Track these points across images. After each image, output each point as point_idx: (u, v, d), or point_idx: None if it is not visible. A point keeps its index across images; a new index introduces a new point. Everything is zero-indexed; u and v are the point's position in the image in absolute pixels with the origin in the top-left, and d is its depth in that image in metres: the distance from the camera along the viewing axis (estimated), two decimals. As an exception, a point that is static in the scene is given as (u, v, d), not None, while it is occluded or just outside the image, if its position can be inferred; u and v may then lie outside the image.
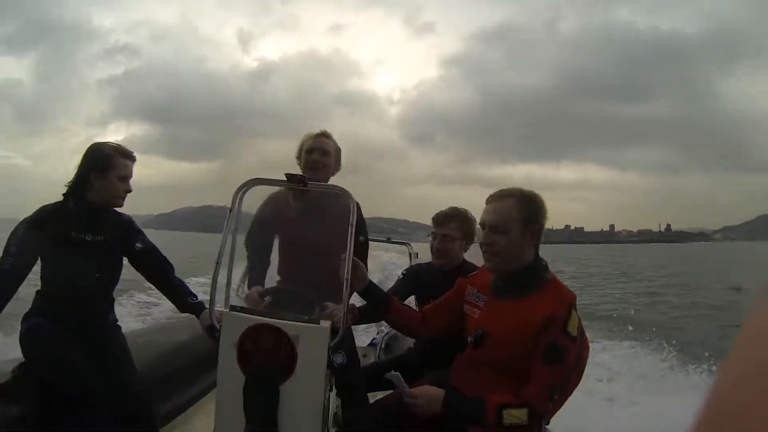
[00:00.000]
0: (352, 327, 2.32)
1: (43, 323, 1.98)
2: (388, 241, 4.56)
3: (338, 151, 2.39)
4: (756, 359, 0.30)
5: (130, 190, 2.11)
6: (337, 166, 2.40)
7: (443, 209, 2.47)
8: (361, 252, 2.12)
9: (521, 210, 1.65)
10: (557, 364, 1.54)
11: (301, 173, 2.32)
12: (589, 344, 1.80)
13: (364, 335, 5.11)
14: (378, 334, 4.43)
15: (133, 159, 2.14)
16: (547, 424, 1.67)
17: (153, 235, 2.43)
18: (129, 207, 2.19)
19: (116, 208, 2.17)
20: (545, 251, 1.80)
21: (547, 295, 1.63)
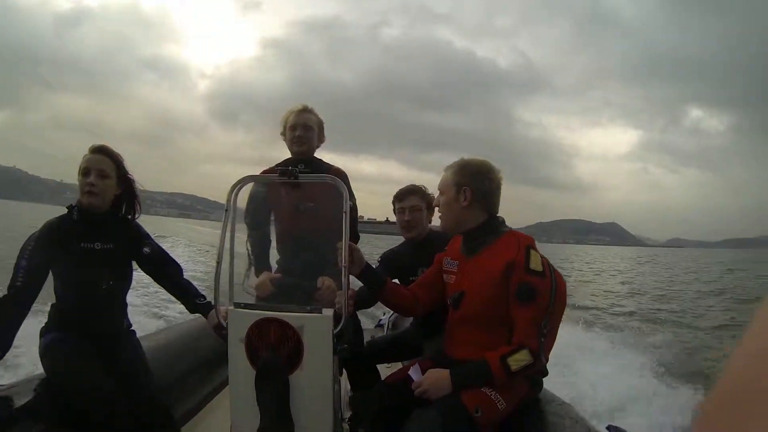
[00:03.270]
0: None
1: (61, 337, 2.02)
2: (387, 222, 4.59)
3: (321, 123, 2.47)
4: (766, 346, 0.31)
5: (92, 183, 2.05)
6: (321, 139, 2.49)
7: (401, 188, 2.59)
8: (351, 218, 2.18)
9: (455, 175, 1.87)
10: (532, 300, 1.67)
11: (287, 149, 2.43)
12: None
13: (370, 318, 5.19)
14: (384, 315, 4.50)
15: (99, 151, 2.10)
16: (547, 359, 1.76)
17: None
18: None
19: (120, 213, 2.19)
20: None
21: (503, 243, 1.81)
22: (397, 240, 2.77)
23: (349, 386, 2.52)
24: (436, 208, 1.97)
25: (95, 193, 2.06)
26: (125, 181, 2.18)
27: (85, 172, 2.07)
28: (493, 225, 1.86)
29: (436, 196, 1.98)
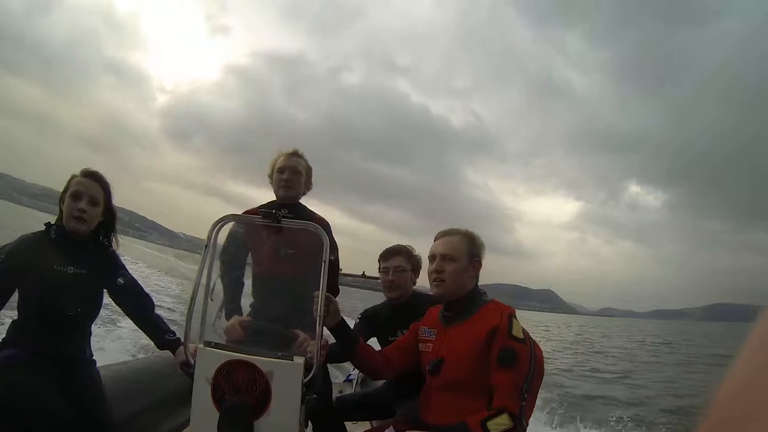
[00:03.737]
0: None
1: (17, 354, 1.95)
2: (363, 276, 4.58)
3: (309, 170, 2.49)
4: (760, 366, 0.33)
5: (83, 210, 2.04)
6: (308, 185, 2.50)
7: (388, 246, 2.62)
8: (332, 271, 2.18)
9: (467, 244, 1.95)
10: (513, 365, 1.70)
11: (273, 192, 2.45)
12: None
13: (339, 371, 5.09)
14: (354, 369, 4.42)
15: (92, 176, 2.10)
16: (527, 423, 1.76)
17: None
18: None
19: (98, 239, 2.17)
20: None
21: (487, 312, 1.86)
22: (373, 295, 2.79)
23: None
24: (441, 273, 1.92)
25: (84, 219, 2.06)
26: (109, 211, 2.17)
27: (75, 195, 2.05)
28: (478, 293, 1.94)
29: (427, 256, 2.00)
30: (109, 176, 2.11)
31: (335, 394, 2.81)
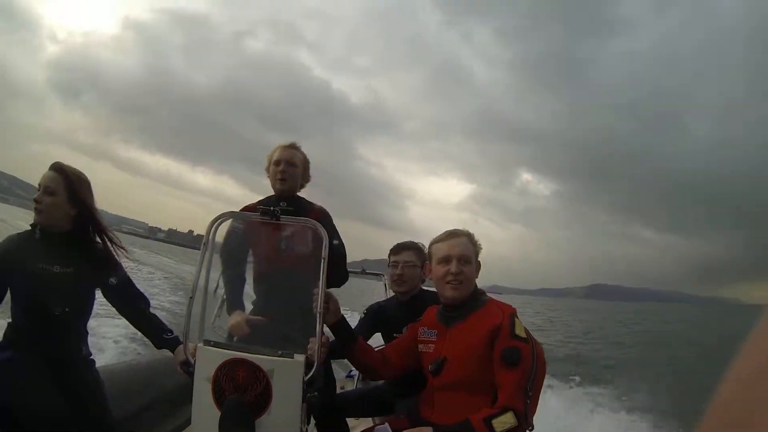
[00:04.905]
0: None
1: (14, 356, 1.95)
2: (363, 272, 4.57)
3: (306, 162, 2.46)
4: (760, 367, 0.33)
5: (36, 200, 2.01)
6: (305, 178, 2.46)
7: (399, 242, 2.60)
8: (339, 258, 2.15)
9: (473, 245, 1.97)
10: (517, 364, 1.70)
11: (270, 185, 2.41)
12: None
13: (341, 368, 5.08)
14: None
15: (52, 168, 2.05)
16: (531, 423, 1.75)
17: None
18: None
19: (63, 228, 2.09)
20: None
21: (488, 311, 1.84)
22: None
23: None
24: (460, 275, 1.90)
25: (39, 210, 2.01)
26: (78, 203, 2.07)
27: (39, 188, 2.03)
28: (479, 293, 1.94)
29: (440, 257, 1.96)
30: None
31: (337, 390, 2.80)
